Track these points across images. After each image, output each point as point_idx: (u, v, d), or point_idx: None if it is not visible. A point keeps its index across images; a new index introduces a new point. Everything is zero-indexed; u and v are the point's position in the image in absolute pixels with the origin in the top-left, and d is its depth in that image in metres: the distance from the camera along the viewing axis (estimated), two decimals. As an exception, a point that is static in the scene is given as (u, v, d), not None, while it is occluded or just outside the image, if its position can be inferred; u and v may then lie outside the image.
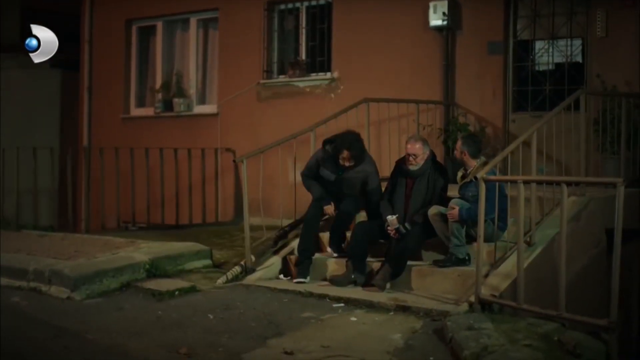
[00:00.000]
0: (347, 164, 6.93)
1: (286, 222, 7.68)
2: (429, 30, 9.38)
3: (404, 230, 6.62)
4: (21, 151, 9.87)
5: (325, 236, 7.34)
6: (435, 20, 9.23)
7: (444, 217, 6.46)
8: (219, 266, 7.47)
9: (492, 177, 5.98)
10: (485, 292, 5.68)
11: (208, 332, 5.44)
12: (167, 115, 11.40)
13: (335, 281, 6.65)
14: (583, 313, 5.05)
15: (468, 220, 6.33)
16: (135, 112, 11.99)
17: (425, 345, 5.07)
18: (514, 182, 5.74)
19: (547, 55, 9.11)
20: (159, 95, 11.52)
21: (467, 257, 6.41)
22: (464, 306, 5.70)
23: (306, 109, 9.96)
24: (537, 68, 9.21)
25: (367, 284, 6.51)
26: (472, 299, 5.65)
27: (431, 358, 4.86)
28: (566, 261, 5.16)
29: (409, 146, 6.80)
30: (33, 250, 7.71)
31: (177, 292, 6.53)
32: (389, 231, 6.67)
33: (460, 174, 6.83)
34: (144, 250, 7.38)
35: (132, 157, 10.34)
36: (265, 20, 10.67)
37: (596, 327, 4.87)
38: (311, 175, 7.19)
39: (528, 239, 6.19)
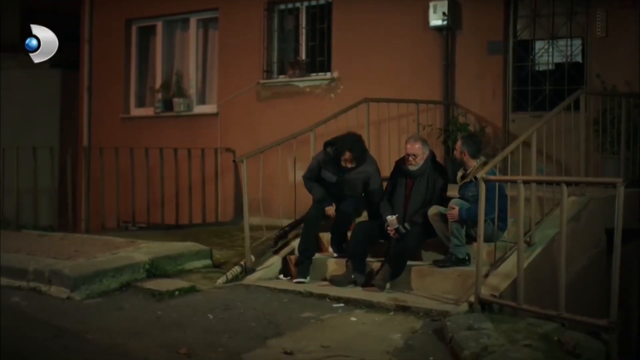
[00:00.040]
0: (349, 165, 6.95)
1: (286, 222, 7.68)
2: (429, 30, 9.38)
3: (403, 231, 6.62)
4: (21, 151, 9.86)
5: (325, 236, 7.35)
6: (435, 20, 9.23)
7: (443, 217, 6.46)
8: (219, 266, 7.47)
9: (492, 177, 5.98)
10: (485, 292, 5.68)
11: (208, 332, 5.44)
12: (167, 115, 11.39)
13: (335, 281, 6.65)
14: (583, 313, 5.05)
15: (468, 220, 6.33)
16: (135, 112, 11.99)
17: (425, 345, 5.07)
18: (513, 182, 5.73)
19: (547, 55, 9.11)
20: (159, 95, 11.52)
21: (467, 257, 6.41)
22: (464, 306, 5.70)
23: (306, 109, 9.95)
24: (537, 68, 9.21)
25: (367, 284, 6.51)
26: (472, 299, 5.65)
27: (431, 358, 4.86)
28: (566, 261, 5.16)
29: (408, 146, 6.81)
30: (33, 250, 7.71)
31: (177, 292, 6.53)
32: (388, 231, 6.67)
33: (460, 174, 6.83)
34: (143, 250, 7.38)
35: (132, 157, 10.33)
36: (265, 20, 10.67)
37: (596, 327, 4.87)
38: (313, 177, 7.21)
39: (528, 239, 6.20)
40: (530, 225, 6.29)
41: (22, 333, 5.54)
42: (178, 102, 11.28)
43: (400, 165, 6.93)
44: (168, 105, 11.37)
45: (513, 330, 4.96)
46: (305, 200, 7.46)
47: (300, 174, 7.57)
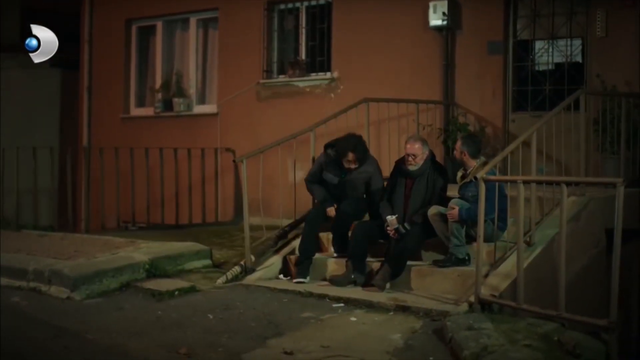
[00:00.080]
0: (352, 166, 6.95)
1: (286, 222, 7.68)
2: (428, 30, 9.38)
3: (403, 231, 6.62)
4: (21, 151, 9.86)
5: (325, 236, 7.35)
6: (435, 20, 9.23)
7: (443, 217, 6.46)
8: (219, 266, 7.47)
9: (492, 177, 5.98)
10: (485, 292, 5.67)
11: (208, 332, 5.44)
12: (167, 115, 11.39)
13: (335, 281, 6.65)
14: (583, 313, 5.05)
15: (468, 220, 6.33)
16: (135, 112, 11.99)
17: (425, 345, 5.07)
18: (513, 182, 5.73)
19: (547, 55, 9.11)
20: (159, 95, 11.52)
21: (466, 257, 6.41)
22: (464, 306, 5.70)
23: (306, 108, 9.96)
24: (537, 68, 9.21)
25: (366, 284, 6.51)
26: (472, 299, 5.65)
27: (431, 358, 4.86)
28: (566, 261, 5.16)
29: (408, 146, 6.81)
30: (33, 250, 7.71)
31: (176, 292, 6.53)
32: (388, 231, 6.67)
33: (460, 174, 6.83)
34: (143, 250, 7.38)
35: (132, 157, 10.33)
36: (265, 20, 10.67)
37: (596, 327, 4.86)
38: (314, 180, 7.22)
39: (528, 239, 6.20)
40: (530, 225, 6.29)
41: (22, 333, 5.54)
42: (178, 102, 11.28)
43: (400, 165, 6.93)
44: (168, 105, 11.37)
45: (513, 330, 4.96)
46: (305, 200, 7.46)
47: (300, 174, 7.57)
